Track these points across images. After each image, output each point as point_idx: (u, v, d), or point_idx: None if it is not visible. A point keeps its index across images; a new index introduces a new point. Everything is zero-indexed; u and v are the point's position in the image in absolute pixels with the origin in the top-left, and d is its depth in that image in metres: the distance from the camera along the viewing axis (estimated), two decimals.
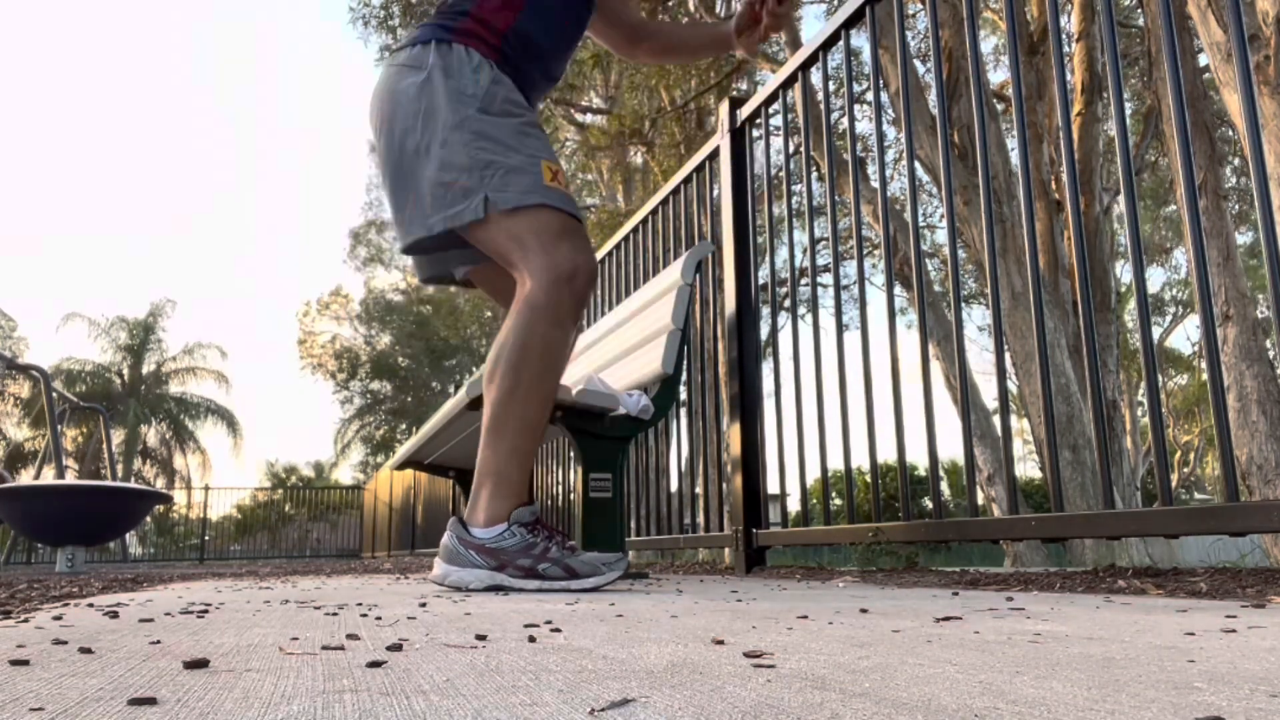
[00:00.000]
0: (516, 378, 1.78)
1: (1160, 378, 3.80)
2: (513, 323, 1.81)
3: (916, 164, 3.76)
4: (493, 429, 1.79)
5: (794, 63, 2.70)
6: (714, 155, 3.23)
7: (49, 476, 9.37)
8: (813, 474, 2.69)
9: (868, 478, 2.37)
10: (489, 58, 1.94)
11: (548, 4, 2.02)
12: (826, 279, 15.34)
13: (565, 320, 1.81)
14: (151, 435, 27.50)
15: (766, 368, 2.99)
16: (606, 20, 2.32)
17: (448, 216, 1.83)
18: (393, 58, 1.99)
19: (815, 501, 7.51)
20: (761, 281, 3.26)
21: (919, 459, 2.25)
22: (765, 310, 3.32)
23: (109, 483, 6.18)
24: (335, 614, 1.17)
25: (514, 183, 1.82)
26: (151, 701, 0.53)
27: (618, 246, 4.11)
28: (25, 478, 20.13)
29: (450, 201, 1.83)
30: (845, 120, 11.78)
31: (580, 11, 2.11)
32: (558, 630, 0.94)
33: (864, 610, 1.16)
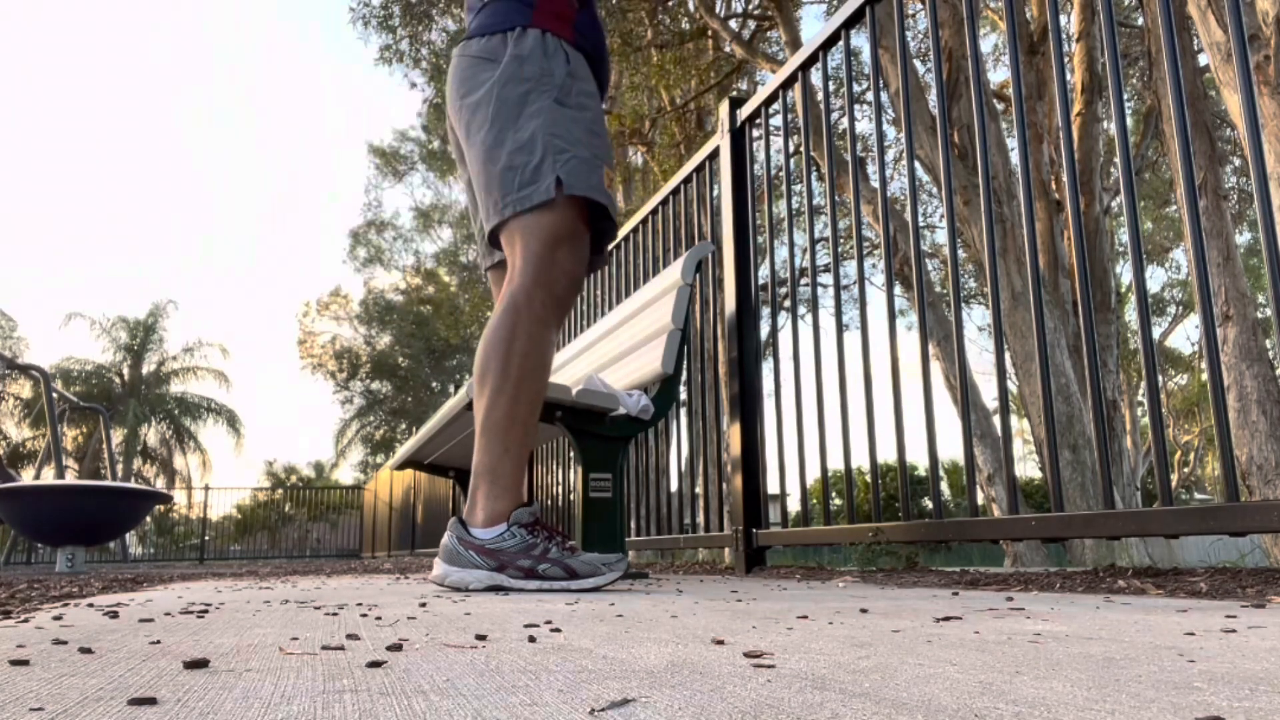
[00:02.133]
0: (505, 375, 1.79)
1: (1160, 378, 3.80)
2: (498, 321, 1.82)
3: (916, 164, 3.76)
4: (484, 428, 1.79)
5: (794, 63, 2.70)
6: (714, 155, 3.23)
7: (49, 476, 9.37)
8: (813, 474, 2.69)
9: (868, 478, 2.37)
10: (567, 40, 1.95)
11: (595, 21, 2.04)
12: (826, 279, 15.34)
13: (549, 320, 1.83)
14: (151, 435, 27.49)
15: (766, 368, 2.99)
16: None
17: (518, 198, 1.86)
18: (465, 47, 1.99)
19: (815, 501, 7.50)
20: (761, 281, 3.26)
21: (919, 459, 2.25)
22: (765, 310, 3.32)
23: (109, 483, 6.18)
24: (335, 614, 1.17)
25: (584, 173, 1.87)
26: (151, 701, 0.53)
27: (618, 246, 4.11)
28: (26, 478, 20.10)
29: (520, 184, 1.86)
30: (845, 120, 11.78)
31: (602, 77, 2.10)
32: (558, 630, 0.94)
33: (864, 610, 1.16)
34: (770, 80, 2.87)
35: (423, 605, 1.34)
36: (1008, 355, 7.18)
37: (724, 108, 3.13)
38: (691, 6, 11.66)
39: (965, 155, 7.79)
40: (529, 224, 1.85)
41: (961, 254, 8.26)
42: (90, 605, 1.50)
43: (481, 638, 0.86)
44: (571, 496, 4.34)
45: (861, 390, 2.28)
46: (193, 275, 73.92)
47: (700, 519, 3.36)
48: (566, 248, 1.86)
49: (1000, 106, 11.34)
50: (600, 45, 2.06)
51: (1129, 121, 1.87)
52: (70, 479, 9.21)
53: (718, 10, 12.03)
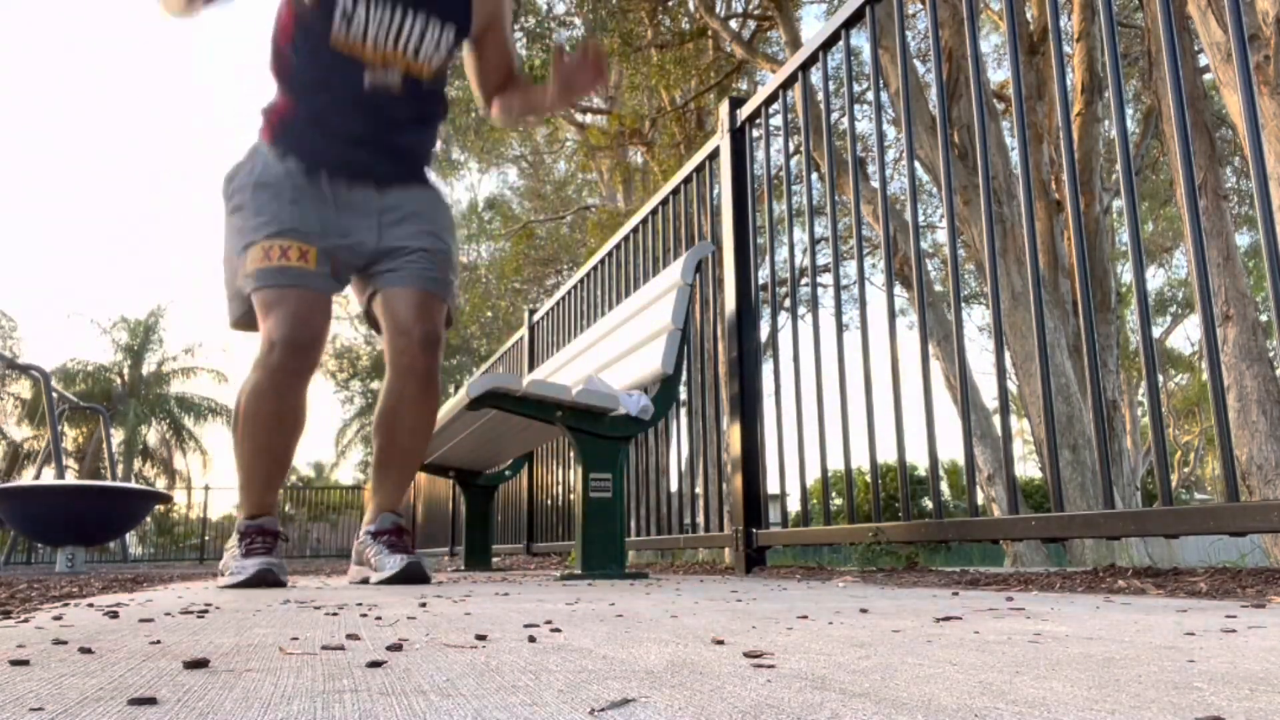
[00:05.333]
0: (235, 423, 2.19)
1: (1160, 378, 3.79)
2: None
3: (916, 164, 3.76)
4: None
5: (794, 63, 2.70)
6: (714, 155, 3.23)
7: (49, 476, 9.37)
8: (813, 474, 2.69)
9: (868, 478, 2.37)
10: (264, 139, 2.25)
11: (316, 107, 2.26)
12: (826, 279, 15.33)
13: (263, 383, 2.12)
14: (152, 435, 27.48)
15: (766, 368, 2.99)
16: (480, 52, 2.41)
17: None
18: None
19: (815, 501, 7.49)
20: (761, 281, 3.26)
21: (919, 459, 2.25)
22: (765, 310, 3.32)
23: (109, 483, 6.18)
24: (335, 614, 1.17)
25: (230, 299, 2.29)
26: (151, 701, 0.53)
27: (618, 246, 4.10)
28: (25, 478, 20.12)
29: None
30: (845, 120, 11.77)
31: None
32: (558, 630, 0.94)
33: (864, 610, 1.16)
34: (770, 80, 2.87)
35: (423, 605, 1.34)
36: (1008, 355, 7.18)
37: (724, 108, 3.13)
38: (691, 6, 11.66)
39: (965, 155, 7.78)
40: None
41: (961, 254, 8.26)
42: (90, 605, 1.50)
43: (481, 638, 0.86)
44: (571, 496, 4.34)
45: (861, 390, 2.28)
46: (193, 275, 73.90)
47: (700, 519, 3.36)
48: (270, 317, 2.17)
49: (1000, 106, 11.33)
50: (312, 130, 2.23)
51: (1129, 123, 1.87)
52: (70, 479, 9.20)
53: (718, 10, 12.03)
